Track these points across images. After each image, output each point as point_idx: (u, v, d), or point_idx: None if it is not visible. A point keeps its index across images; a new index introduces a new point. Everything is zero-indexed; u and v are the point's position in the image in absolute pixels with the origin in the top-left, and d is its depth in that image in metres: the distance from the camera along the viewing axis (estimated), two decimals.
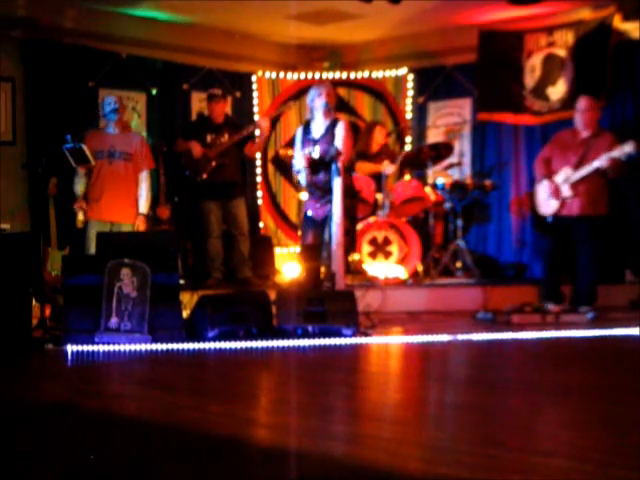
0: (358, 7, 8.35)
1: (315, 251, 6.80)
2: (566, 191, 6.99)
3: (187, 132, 8.29)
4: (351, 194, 6.91)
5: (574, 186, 7.02)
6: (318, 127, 6.86)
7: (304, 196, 7.25)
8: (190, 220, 8.54)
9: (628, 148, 6.81)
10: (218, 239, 8.05)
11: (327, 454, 2.94)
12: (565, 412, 3.62)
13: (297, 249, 9.54)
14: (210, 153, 7.90)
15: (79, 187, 6.99)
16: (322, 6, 8.78)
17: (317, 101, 6.81)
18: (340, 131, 6.76)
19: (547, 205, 7.14)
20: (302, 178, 6.89)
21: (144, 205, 6.99)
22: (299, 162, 6.87)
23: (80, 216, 6.90)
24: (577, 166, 7.01)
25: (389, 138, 9.56)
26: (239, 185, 8.20)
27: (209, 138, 7.99)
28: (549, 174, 7.11)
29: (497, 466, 2.71)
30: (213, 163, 7.90)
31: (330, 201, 6.62)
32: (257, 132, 8.20)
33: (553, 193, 7.06)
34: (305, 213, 7.01)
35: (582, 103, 7.24)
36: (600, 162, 6.88)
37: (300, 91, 9.58)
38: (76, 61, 8.49)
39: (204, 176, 7.93)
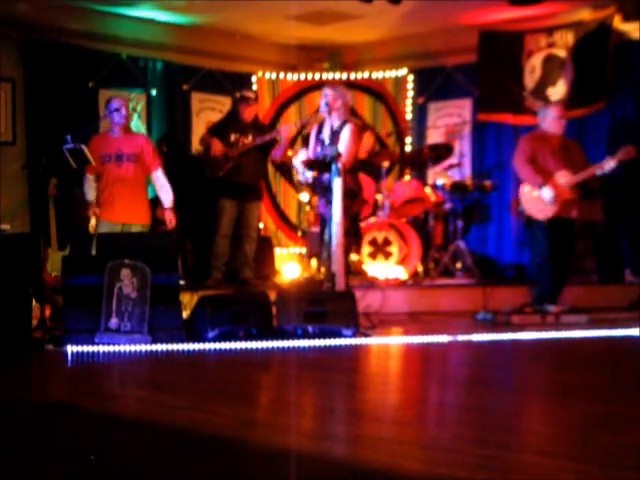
0: (358, 7, 8.36)
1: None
2: (568, 194, 6.94)
3: (215, 128, 8.25)
4: (352, 195, 6.90)
5: (573, 189, 6.98)
6: (327, 129, 6.95)
7: (304, 197, 7.26)
8: (190, 220, 8.54)
9: (631, 152, 6.82)
10: (226, 239, 8.01)
11: (327, 454, 2.94)
12: (565, 412, 3.62)
13: (298, 249, 9.57)
14: (230, 153, 7.87)
15: (91, 193, 7.00)
16: (322, 6, 8.78)
17: (321, 103, 6.91)
18: (345, 133, 6.80)
19: (545, 208, 7.00)
20: (308, 175, 6.95)
21: (168, 200, 6.95)
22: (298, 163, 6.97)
23: (93, 222, 6.92)
24: (568, 169, 6.93)
25: (389, 138, 9.56)
26: (257, 188, 8.17)
27: (233, 137, 7.96)
28: (548, 177, 6.97)
29: (497, 466, 2.71)
30: (231, 163, 7.88)
31: (330, 201, 6.63)
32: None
33: (558, 196, 6.91)
34: (318, 212, 7.14)
35: (560, 111, 7.14)
36: (611, 165, 6.83)
37: (300, 92, 9.61)
38: (76, 61, 8.50)
39: (220, 174, 7.91)
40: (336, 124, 6.89)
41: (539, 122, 7.19)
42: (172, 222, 6.93)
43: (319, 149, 6.88)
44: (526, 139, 7.23)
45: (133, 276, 5.65)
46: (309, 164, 6.82)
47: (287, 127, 8.15)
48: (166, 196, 6.98)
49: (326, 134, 6.92)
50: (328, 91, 6.94)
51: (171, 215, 6.95)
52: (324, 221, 6.96)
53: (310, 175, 6.91)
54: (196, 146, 8.89)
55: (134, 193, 6.92)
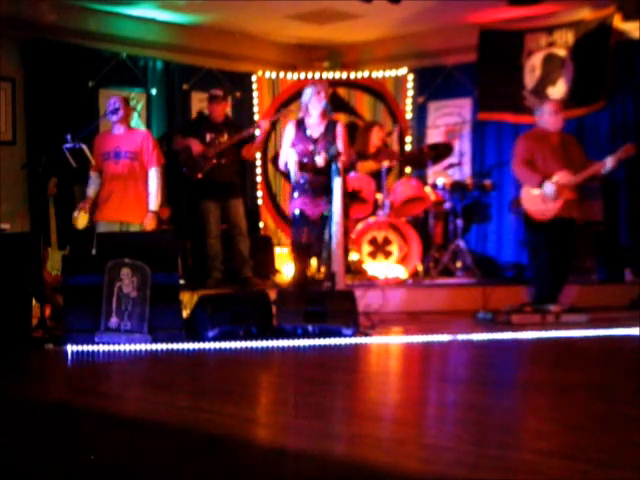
0: (358, 7, 8.37)
1: (307, 250, 6.80)
2: (568, 193, 6.94)
3: (186, 130, 8.28)
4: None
5: (574, 189, 6.97)
6: (315, 126, 6.78)
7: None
8: (190, 220, 8.54)
9: (630, 150, 6.83)
10: (217, 239, 8.05)
11: (327, 454, 2.94)
12: (565, 412, 3.62)
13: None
14: (209, 152, 7.90)
15: (91, 189, 6.94)
16: (322, 6, 8.78)
17: (315, 99, 6.73)
18: (341, 132, 6.74)
19: (546, 209, 6.99)
20: (292, 175, 6.80)
21: (154, 202, 6.80)
22: (285, 159, 6.78)
23: (77, 215, 6.82)
24: (568, 168, 6.93)
25: (389, 138, 9.56)
26: (237, 185, 8.18)
27: (208, 137, 7.98)
28: (546, 177, 6.96)
29: (497, 466, 2.71)
30: (211, 162, 7.89)
31: (328, 201, 6.61)
32: (257, 133, 8.19)
33: (558, 194, 6.89)
34: (299, 210, 6.79)
35: (556, 106, 7.13)
36: (610, 164, 6.83)
37: (300, 91, 9.59)
38: (76, 61, 8.51)
39: (200, 175, 7.92)
40: (325, 122, 6.78)
41: (537, 120, 7.19)
42: (148, 225, 6.76)
43: (310, 147, 6.74)
44: (523, 140, 7.19)
45: (133, 275, 5.65)
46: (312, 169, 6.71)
47: (265, 121, 8.16)
48: (152, 198, 6.81)
49: (315, 132, 6.76)
50: (322, 88, 6.77)
51: (149, 219, 6.77)
52: (306, 219, 6.79)
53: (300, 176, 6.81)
54: None
55: (131, 191, 6.80)
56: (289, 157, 6.74)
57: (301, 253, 6.85)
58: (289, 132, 6.89)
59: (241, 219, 8.08)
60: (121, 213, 6.80)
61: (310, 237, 6.76)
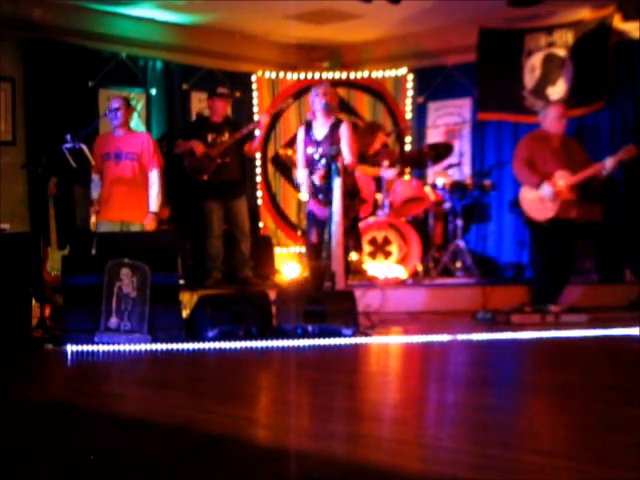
0: (358, 7, 8.37)
1: (319, 250, 6.79)
2: (567, 194, 6.94)
3: (187, 132, 8.27)
4: (350, 193, 6.87)
5: (573, 189, 6.98)
6: (320, 128, 6.81)
7: (304, 196, 7.23)
8: (190, 220, 8.54)
9: (631, 151, 6.83)
10: (219, 239, 8.03)
11: (327, 454, 2.94)
12: (565, 412, 3.62)
13: (298, 249, 9.55)
14: (212, 152, 7.88)
15: (96, 192, 7.01)
16: (322, 6, 8.78)
17: (317, 101, 6.78)
18: (345, 132, 6.73)
19: (545, 209, 6.99)
20: (304, 188, 6.90)
21: (154, 204, 6.89)
22: (301, 176, 6.86)
23: (94, 219, 6.97)
24: (568, 169, 6.94)
25: (389, 138, 9.56)
26: (240, 184, 8.18)
27: (210, 137, 7.97)
28: (545, 178, 6.96)
29: (497, 466, 2.71)
30: (216, 162, 7.88)
31: (331, 201, 6.60)
32: (257, 131, 8.19)
33: (555, 196, 6.90)
34: (310, 211, 6.91)
35: (561, 111, 7.15)
36: (611, 165, 6.84)
37: (300, 91, 9.60)
38: (76, 61, 8.51)
39: (205, 177, 7.91)
40: (329, 123, 6.83)
41: (540, 122, 7.21)
42: (149, 226, 6.84)
43: (314, 149, 6.77)
44: (525, 140, 7.24)
45: (133, 275, 5.66)
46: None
47: (264, 117, 8.16)
48: (152, 199, 6.90)
49: (319, 134, 6.80)
50: (326, 89, 6.83)
51: (150, 220, 6.86)
52: (316, 220, 6.84)
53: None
54: None
55: (132, 191, 6.87)
56: (299, 178, 6.91)
57: (312, 254, 6.86)
58: (299, 137, 6.97)
59: (244, 219, 8.07)
60: (123, 213, 6.87)
61: (318, 238, 6.77)
